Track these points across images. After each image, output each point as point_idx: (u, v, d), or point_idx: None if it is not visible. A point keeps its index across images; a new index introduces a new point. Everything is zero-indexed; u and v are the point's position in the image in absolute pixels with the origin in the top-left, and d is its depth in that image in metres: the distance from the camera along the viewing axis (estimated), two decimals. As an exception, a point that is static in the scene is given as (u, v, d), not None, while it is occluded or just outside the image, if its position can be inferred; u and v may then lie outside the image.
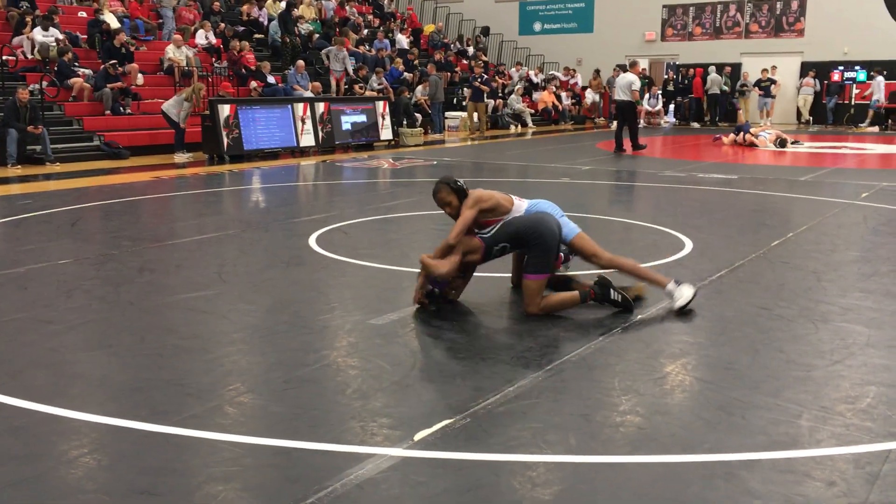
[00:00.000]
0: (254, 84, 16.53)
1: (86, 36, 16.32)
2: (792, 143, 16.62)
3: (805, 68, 24.17)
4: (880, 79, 22.45)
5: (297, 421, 3.18)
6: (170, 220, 8.44)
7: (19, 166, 12.27)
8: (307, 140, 15.42)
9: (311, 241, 6.79)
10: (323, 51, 19.43)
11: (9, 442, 3.00)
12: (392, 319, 4.54)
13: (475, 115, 20.45)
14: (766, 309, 4.75)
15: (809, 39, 24.43)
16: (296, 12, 20.66)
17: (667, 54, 26.59)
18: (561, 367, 3.79)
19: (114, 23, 16.51)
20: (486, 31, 28.81)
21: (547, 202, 5.04)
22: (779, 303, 4.87)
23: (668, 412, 3.30)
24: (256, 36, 19.72)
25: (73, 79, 14.48)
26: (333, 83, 18.59)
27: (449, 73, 22.80)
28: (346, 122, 16.34)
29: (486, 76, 21.87)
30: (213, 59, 17.50)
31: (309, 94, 16.74)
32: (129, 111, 14.96)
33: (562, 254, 4.99)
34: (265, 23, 20.18)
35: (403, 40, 23.72)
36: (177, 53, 16.41)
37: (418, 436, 3.03)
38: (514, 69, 26.14)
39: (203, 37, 18.05)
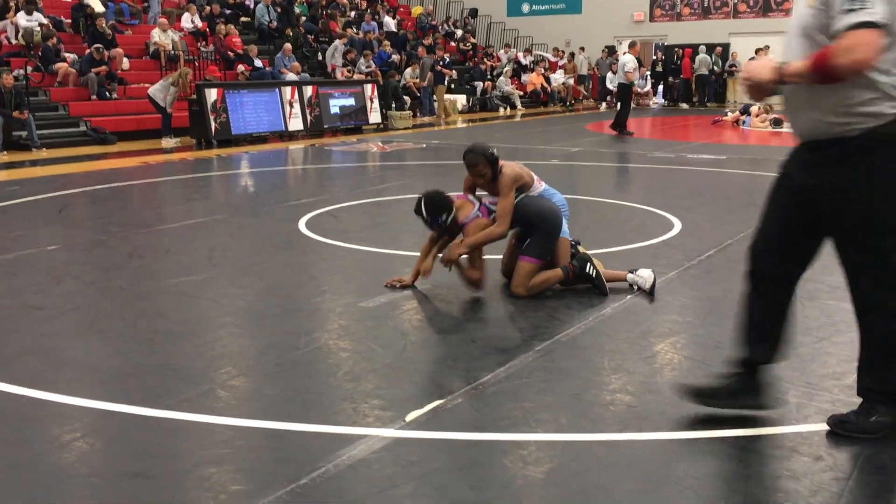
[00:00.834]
0: (241, 68, 16.42)
1: (70, 20, 16.16)
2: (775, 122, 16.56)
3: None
4: None
5: (289, 403, 3.20)
6: (158, 205, 8.41)
7: (5, 152, 12.17)
8: (295, 124, 15.35)
9: (301, 224, 6.78)
10: (328, 50, 19.06)
11: (1, 427, 3.00)
12: (383, 302, 4.55)
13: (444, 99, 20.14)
14: (755, 288, 4.77)
15: (798, 19, 24.39)
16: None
17: (655, 35, 26.56)
18: (551, 347, 3.81)
19: (98, 7, 16.34)
20: (474, 12, 28.68)
21: (561, 197, 4.96)
22: (767, 281, 4.89)
23: (657, 391, 3.32)
24: (243, 19, 19.56)
25: (58, 64, 14.35)
26: (330, 70, 18.46)
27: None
28: (335, 105, 16.27)
29: (447, 59, 21.49)
30: (200, 43, 17.35)
31: (293, 76, 16.62)
32: (115, 96, 14.84)
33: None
34: (251, 6, 20.02)
35: (391, 22, 23.59)
36: (162, 37, 16.27)
37: (410, 416, 3.05)
38: (502, 51, 26.04)
39: (189, 20, 17.90)
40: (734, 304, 4.50)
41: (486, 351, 3.78)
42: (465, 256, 4.68)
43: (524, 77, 25.13)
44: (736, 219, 6.93)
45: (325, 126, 15.98)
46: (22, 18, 14.88)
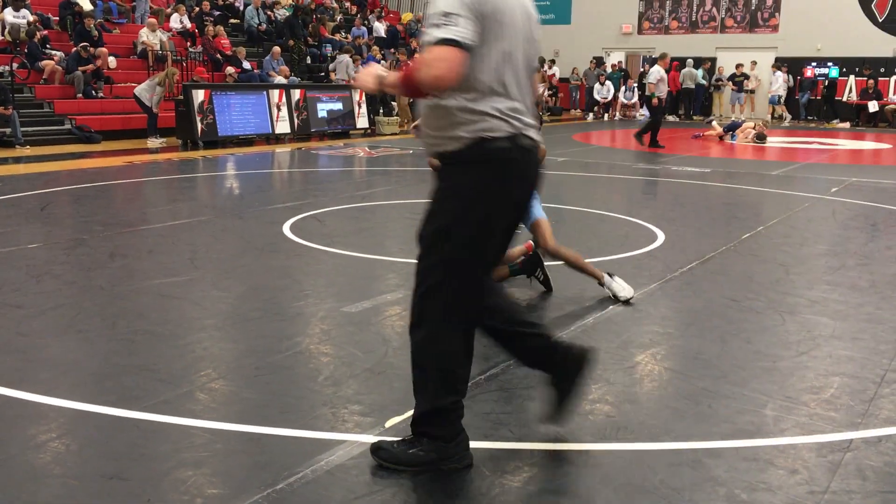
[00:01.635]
0: (230, 70, 16.38)
1: (58, 18, 16.06)
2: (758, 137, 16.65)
3: (779, 63, 24.41)
4: (779, 73, 23.19)
5: (268, 407, 3.18)
6: (142, 205, 8.36)
7: (-12, 149, 12.10)
8: (282, 127, 15.32)
9: (285, 228, 6.76)
10: (334, 62, 19.01)
11: (-24, 426, 2.97)
12: (365, 307, 4.55)
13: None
14: (735, 300, 4.81)
15: (784, 35, 24.66)
16: (273, -3, 20.47)
17: (643, 47, 26.70)
18: (532, 355, 3.81)
19: (86, 5, 16.25)
20: (464, 21, 28.67)
21: None
22: (747, 295, 4.94)
23: (636, 401, 3.34)
24: (232, 21, 19.51)
25: (44, 61, 14.26)
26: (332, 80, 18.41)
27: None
28: (322, 109, 16.25)
29: (410, 63, 21.40)
30: (188, 44, 17.29)
31: (281, 79, 16.59)
32: (101, 95, 14.76)
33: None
34: (241, 7, 19.98)
35: (381, 28, 23.61)
36: (150, 37, 16.20)
37: (389, 423, 3.05)
38: (491, 60, 26.02)
39: (177, 21, 17.83)
40: (714, 316, 4.55)
41: (468, 358, 3.77)
42: None
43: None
44: (718, 232, 6.97)
45: (313, 130, 15.96)
46: (9, 14, 14.78)
